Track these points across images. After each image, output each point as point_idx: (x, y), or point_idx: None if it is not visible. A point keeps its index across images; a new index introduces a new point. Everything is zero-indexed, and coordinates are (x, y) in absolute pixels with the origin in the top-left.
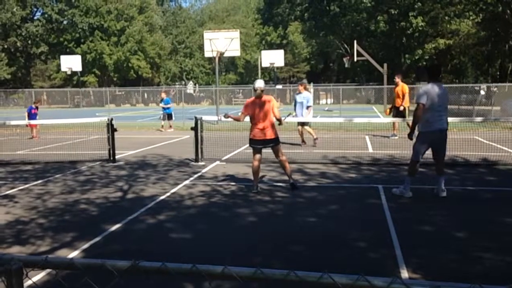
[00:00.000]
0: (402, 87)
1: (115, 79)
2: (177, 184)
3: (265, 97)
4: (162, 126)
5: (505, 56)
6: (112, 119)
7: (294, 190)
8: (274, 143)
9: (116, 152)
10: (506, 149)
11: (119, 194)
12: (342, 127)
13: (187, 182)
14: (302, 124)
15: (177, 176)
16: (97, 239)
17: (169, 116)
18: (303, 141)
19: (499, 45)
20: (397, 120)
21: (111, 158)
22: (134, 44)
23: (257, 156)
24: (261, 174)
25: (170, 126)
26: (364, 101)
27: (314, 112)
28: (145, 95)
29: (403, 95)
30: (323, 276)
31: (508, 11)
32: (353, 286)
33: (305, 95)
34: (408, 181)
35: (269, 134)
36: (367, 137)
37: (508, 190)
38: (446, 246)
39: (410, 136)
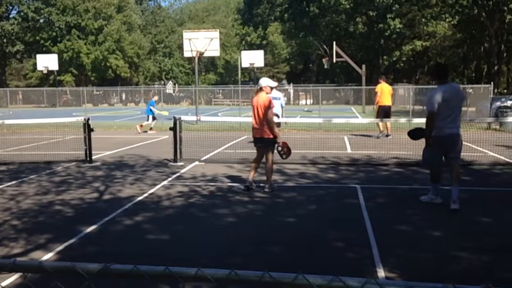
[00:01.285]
0: (381, 87)
1: (92, 78)
2: (155, 184)
3: (262, 96)
4: (151, 129)
5: (480, 58)
6: (88, 119)
7: (259, 193)
8: (261, 143)
9: (93, 152)
10: (481, 149)
11: (95, 195)
12: (321, 127)
13: (165, 182)
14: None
15: (155, 176)
16: (72, 240)
17: (153, 118)
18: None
19: (475, 47)
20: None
21: (88, 159)
22: (112, 43)
23: (257, 154)
24: (238, 173)
25: (151, 128)
26: (343, 102)
27: (294, 113)
28: (124, 95)
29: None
30: (298, 277)
31: (484, 14)
32: (328, 287)
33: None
34: (435, 188)
35: (258, 133)
36: (345, 137)
37: (483, 189)
38: (422, 246)
39: (429, 143)
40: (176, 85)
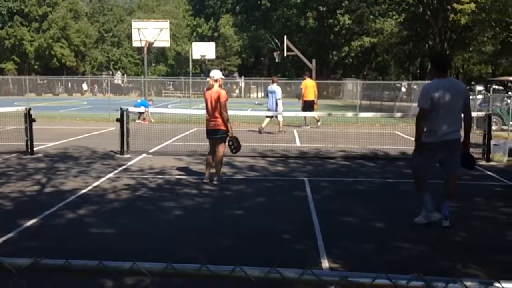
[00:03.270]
0: (306, 82)
1: (36, 67)
2: (100, 177)
3: (214, 89)
4: (144, 119)
5: (424, 55)
6: (30, 109)
7: (207, 186)
8: (215, 134)
9: (35, 143)
10: None
11: (37, 187)
12: (271, 121)
13: (111, 175)
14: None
15: (100, 169)
16: (10, 235)
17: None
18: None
19: (420, 44)
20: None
21: (29, 150)
22: (57, 31)
23: (210, 147)
24: (186, 166)
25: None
26: (294, 96)
27: (244, 106)
28: (69, 84)
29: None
30: (236, 270)
31: (428, 12)
32: (266, 278)
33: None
34: (425, 200)
35: (213, 126)
36: (295, 130)
37: None
38: (366, 237)
39: (418, 149)
40: (125, 75)
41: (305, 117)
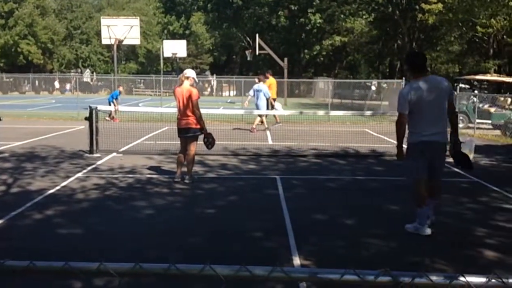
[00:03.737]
0: (270, 81)
1: (1, 64)
2: (69, 177)
3: (185, 87)
4: (112, 117)
5: (394, 55)
6: None
7: (178, 184)
8: (187, 134)
9: (1, 143)
10: (393, 141)
11: (2, 188)
12: (243, 119)
13: (79, 174)
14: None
15: (69, 168)
16: None
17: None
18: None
19: (389, 43)
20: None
21: None
22: (24, 28)
23: (181, 145)
24: (158, 165)
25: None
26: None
27: (216, 104)
28: (36, 82)
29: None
30: (205, 268)
31: (397, 12)
32: (235, 277)
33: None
34: (420, 213)
35: (184, 124)
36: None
37: (393, 179)
38: (336, 234)
39: (399, 156)
40: (94, 73)
41: (274, 115)
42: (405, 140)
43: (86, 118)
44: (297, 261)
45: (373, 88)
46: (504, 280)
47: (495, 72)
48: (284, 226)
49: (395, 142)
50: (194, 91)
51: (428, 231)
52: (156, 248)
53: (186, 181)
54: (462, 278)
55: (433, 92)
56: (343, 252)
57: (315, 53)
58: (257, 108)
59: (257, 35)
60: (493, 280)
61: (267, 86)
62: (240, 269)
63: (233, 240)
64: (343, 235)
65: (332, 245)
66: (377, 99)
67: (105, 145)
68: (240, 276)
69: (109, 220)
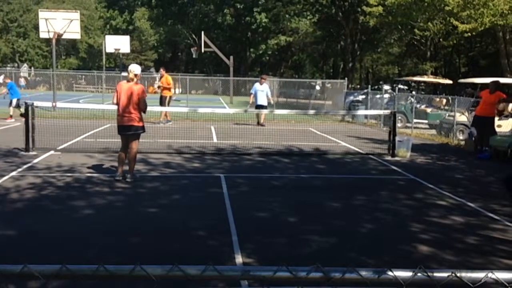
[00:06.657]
0: (167, 78)
1: None
2: (2, 175)
3: (132, 83)
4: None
5: (337, 55)
6: None
7: (120, 183)
8: (128, 130)
9: None
10: (335, 139)
11: None
12: (188, 117)
13: (14, 173)
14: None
15: (3, 167)
16: None
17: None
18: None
19: (332, 44)
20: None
21: None
22: None
23: (122, 143)
24: (98, 163)
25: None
26: (211, 92)
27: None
28: None
29: (169, 85)
30: (136, 269)
31: (340, 14)
32: (167, 277)
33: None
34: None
35: (126, 121)
36: (212, 127)
37: (335, 177)
38: (279, 231)
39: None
40: (32, 68)
41: (166, 113)
42: None
43: (21, 115)
44: (239, 259)
45: (318, 87)
46: (429, 274)
47: (432, 73)
48: (227, 224)
49: (338, 141)
50: (143, 88)
51: None
52: (93, 248)
53: (128, 179)
54: (390, 273)
55: None
56: (285, 249)
57: (261, 52)
58: (258, 104)
59: (202, 32)
60: (419, 274)
61: (164, 82)
62: (172, 269)
63: (176, 240)
64: (286, 232)
65: (274, 243)
66: (321, 98)
67: (42, 142)
68: (172, 276)
69: (44, 220)
